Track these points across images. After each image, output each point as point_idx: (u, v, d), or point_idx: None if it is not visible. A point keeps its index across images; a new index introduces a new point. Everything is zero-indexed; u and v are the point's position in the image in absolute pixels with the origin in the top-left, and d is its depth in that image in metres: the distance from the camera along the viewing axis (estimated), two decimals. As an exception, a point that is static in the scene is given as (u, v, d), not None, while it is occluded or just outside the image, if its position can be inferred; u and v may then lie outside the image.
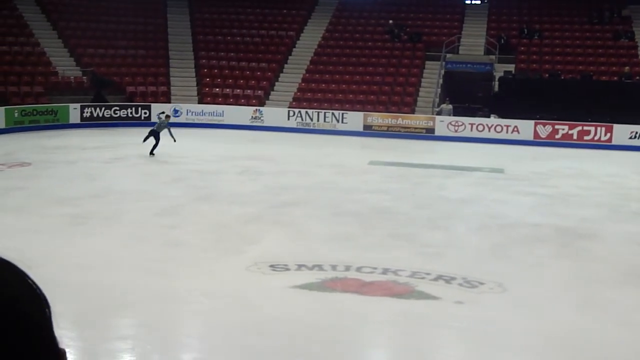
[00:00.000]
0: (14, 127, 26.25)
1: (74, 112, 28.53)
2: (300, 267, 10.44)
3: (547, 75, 30.91)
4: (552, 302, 9.39)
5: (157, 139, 20.93)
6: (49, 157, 20.68)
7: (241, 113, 30.18)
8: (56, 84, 30.03)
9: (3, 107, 26.50)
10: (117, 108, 29.57)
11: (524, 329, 8.44)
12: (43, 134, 25.71)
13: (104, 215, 13.67)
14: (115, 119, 29.24)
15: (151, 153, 20.77)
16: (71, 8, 34.27)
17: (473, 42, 33.96)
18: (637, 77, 30.05)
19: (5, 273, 0.90)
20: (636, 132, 27.29)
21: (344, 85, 32.08)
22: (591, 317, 8.87)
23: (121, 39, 33.73)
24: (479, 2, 41.15)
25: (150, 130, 21.17)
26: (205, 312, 8.85)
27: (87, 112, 28.81)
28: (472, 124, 28.46)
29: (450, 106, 29.27)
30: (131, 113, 29.71)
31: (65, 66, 31.19)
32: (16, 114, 26.75)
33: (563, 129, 27.84)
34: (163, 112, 19.72)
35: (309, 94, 31.76)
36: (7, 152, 21.44)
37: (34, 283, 0.94)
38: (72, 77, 30.75)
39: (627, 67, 30.75)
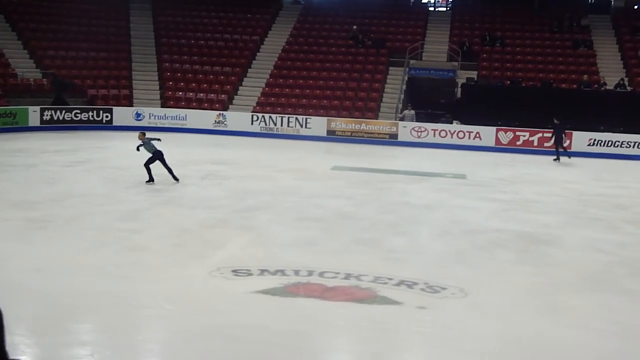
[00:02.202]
0: (-29, 130, 25.78)
1: (34, 114, 28.10)
2: (262, 272, 10.39)
3: (508, 82, 31.31)
4: (513, 307, 9.48)
5: (160, 159, 17.45)
6: (7, 160, 20.32)
7: (204, 117, 30.02)
8: (15, 86, 29.54)
9: (-40, 109, 26.01)
10: (78, 111, 29.19)
11: (485, 333, 8.51)
12: (1, 136, 25.26)
13: (64, 220, 13.47)
14: (76, 122, 28.86)
15: (175, 178, 17.57)
16: (32, 9, 33.76)
17: (436, 49, 34.26)
18: (596, 85, 30.59)
19: None
20: (595, 139, 27.77)
21: (307, 90, 32.10)
22: (552, 321, 8.97)
23: (83, 41, 33.32)
24: (442, 9, 41.58)
25: (150, 158, 17.42)
26: (166, 317, 8.75)
27: (47, 115, 28.38)
28: (434, 130, 28.68)
29: (413, 112, 29.47)
30: (92, 116, 29.37)
31: (25, 68, 30.69)
32: (-26, 116, 26.27)
33: (524, 136, 28.22)
34: (143, 133, 17.69)
35: (272, 99, 31.72)
36: (-36, 154, 21.01)
37: None
38: (31, 80, 30.28)
39: (585, 76, 31.29)
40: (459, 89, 31.08)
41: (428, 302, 9.44)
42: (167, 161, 17.42)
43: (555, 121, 25.52)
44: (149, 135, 17.86)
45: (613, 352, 8.21)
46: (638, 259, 12.38)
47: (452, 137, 28.49)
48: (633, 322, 9.11)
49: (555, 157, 25.62)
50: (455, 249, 12.65)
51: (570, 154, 25.81)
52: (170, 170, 17.42)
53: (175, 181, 17.39)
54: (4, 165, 19.54)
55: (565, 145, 25.98)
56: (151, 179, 17.14)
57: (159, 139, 17.77)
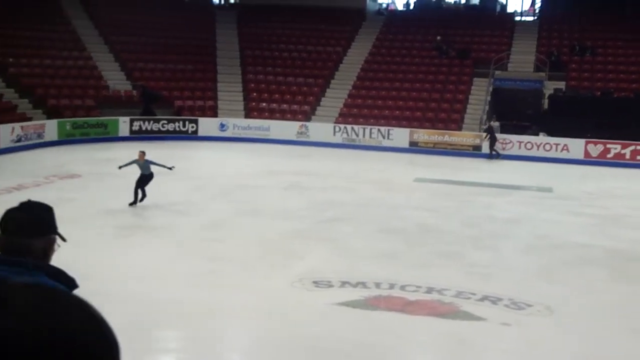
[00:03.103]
0: (65, 140, 26.78)
1: (124, 125, 28.99)
2: (343, 284, 10.36)
3: (599, 93, 30.34)
4: (602, 328, 9.13)
5: (148, 181, 15.93)
6: (98, 169, 21.00)
7: (287, 128, 30.28)
8: (107, 97, 30.56)
9: (55, 120, 27.06)
10: (165, 122, 29.95)
11: (571, 354, 8.22)
12: (93, 146, 26.16)
13: (151, 228, 13.80)
14: (163, 132, 29.60)
15: (134, 203, 15.74)
16: (123, 23, 34.90)
17: (523, 59, 33.56)
18: (692, 96, 29.31)
19: (79, 314, 0.86)
20: (691, 152, 26.57)
21: (390, 101, 31.96)
22: (643, 343, 8.60)
23: (171, 53, 34.21)
24: (529, 18, 40.74)
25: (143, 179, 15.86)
26: (248, 327, 8.83)
27: (136, 126, 29.24)
28: (520, 142, 28.05)
29: (498, 123, 28.92)
30: (179, 127, 30.05)
31: (116, 80, 31.74)
32: (68, 127, 27.29)
33: (615, 148, 27.26)
34: (144, 152, 15.93)
35: (355, 110, 31.71)
36: (59, 164, 21.85)
37: (108, 328, 0.90)
38: (122, 91, 31.28)
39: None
40: (546, 100, 30.31)
41: (512, 319, 9.20)
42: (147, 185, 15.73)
43: (491, 123, 27.79)
44: (150, 158, 16.02)
45: None
46: None
47: (538, 150, 27.79)
48: None
49: (489, 157, 27.09)
50: (541, 264, 12.30)
51: (500, 156, 27.13)
52: (142, 194, 15.67)
53: (130, 205, 15.56)
54: (95, 174, 20.21)
55: (496, 147, 27.28)
56: (135, 202, 15.58)
57: (170, 168, 16.38)
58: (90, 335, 0.86)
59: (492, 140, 27.15)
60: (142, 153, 15.89)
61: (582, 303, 10.09)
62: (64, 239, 2.71)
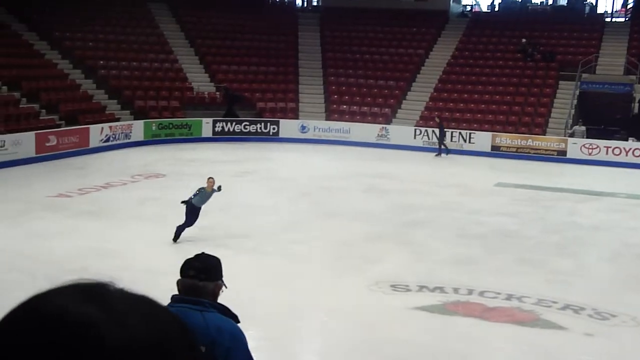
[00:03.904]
0: (151, 140, 27.56)
1: (207, 126, 29.60)
2: (421, 288, 10.30)
3: (692, 97, 29.13)
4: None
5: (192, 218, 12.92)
6: (182, 169, 21.51)
7: (367, 130, 30.26)
8: (191, 99, 31.27)
9: (142, 120, 27.88)
10: (247, 123, 30.41)
11: (659, 367, 7.95)
12: (177, 146, 26.81)
13: (231, 228, 14.04)
14: (245, 133, 30.07)
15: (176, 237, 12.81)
16: (208, 27, 35.65)
17: (612, 62, 32.52)
18: None
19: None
20: None
21: (472, 105, 31.52)
22: None
23: (253, 55, 34.73)
24: (620, 19, 39.47)
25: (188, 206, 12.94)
26: (325, 329, 8.88)
27: (218, 127, 29.80)
28: (607, 147, 27.21)
29: (584, 128, 28.12)
30: (260, 128, 30.47)
31: (200, 82, 32.44)
32: (154, 127, 28.07)
33: None
34: (211, 178, 13.09)
35: (436, 113, 31.44)
36: (145, 163, 22.51)
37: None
38: (206, 93, 31.93)
39: None
40: (637, 104, 29.29)
41: (596, 330, 8.94)
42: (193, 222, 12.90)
43: (437, 119, 28.13)
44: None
45: None
46: None
47: (627, 155, 26.88)
48: None
49: (436, 153, 27.36)
50: (628, 273, 11.91)
51: (448, 151, 27.16)
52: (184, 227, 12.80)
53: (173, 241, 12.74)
54: (179, 174, 20.71)
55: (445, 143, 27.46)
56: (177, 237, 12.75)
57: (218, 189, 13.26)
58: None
59: (442, 135, 27.37)
60: (212, 180, 13.07)
61: (670, 315, 9.72)
62: (225, 286, 3.46)
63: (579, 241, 14.19)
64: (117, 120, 27.25)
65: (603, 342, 8.60)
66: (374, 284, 10.42)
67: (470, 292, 10.15)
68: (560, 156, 27.51)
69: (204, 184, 13.15)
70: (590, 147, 27.28)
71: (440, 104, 32.02)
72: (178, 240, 12.65)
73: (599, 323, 9.14)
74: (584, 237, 14.54)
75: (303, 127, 30.64)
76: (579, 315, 9.39)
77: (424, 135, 29.38)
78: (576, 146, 27.44)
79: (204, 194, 12.88)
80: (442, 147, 27.46)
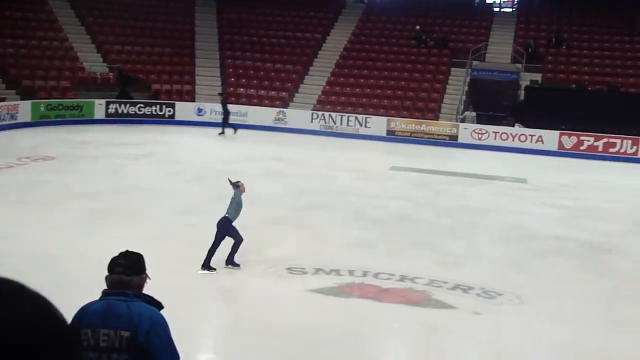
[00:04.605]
0: (39, 121, 26.49)
1: (99, 107, 28.73)
2: (317, 271, 10.42)
3: (574, 85, 30.61)
4: (571, 317, 9.28)
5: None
6: (73, 152, 20.83)
7: (265, 114, 30.21)
8: (82, 79, 30.24)
9: (29, 101, 26.75)
10: (142, 105, 29.73)
11: (541, 343, 8.35)
12: (68, 128, 25.92)
13: (126, 212, 13.74)
14: (140, 115, 29.39)
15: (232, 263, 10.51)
16: (100, 4, 34.52)
17: (500, 50, 33.73)
18: (666, 91, 29.67)
19: (33, 303, 0.87)
20: (663, 146, 26.94)
21: (368, 90, 32.00)
22: (612, 333, 8.75)
23: (148, 36, 33.94)
24: (508, 9, 40.91)
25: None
26: (221, 313, 8.85)
27: (112, 108, 28.99)
28: (496, 133, 28.26)
29: (474, 113, 29.09)
30: (155, 111, 29.86)
31: (92, 62, 31.41)
32: (42, 108, 26.98)
33: (588, 141, 27.56)
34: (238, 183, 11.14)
35: (333, 97, 31.72)
36: (33, 145, 21.63)
37: (59, 316, 0.90)
38: (98, 73, 30.96)
39: (655, 80, 30.39)
40: (523, 92, 30.52)
41: (483, 308, 9.31)
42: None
43: (220, 93, 28.57)
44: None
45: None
46: None
47: (513, 140, 28.02)
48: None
49: (220, 131, 26.58)
50: (514, 255, 12.45)
51: (235, 127, 26.85)
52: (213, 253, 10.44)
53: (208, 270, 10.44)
54: (69, 156, 20.04)
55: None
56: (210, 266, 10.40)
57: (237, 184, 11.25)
58: (43, 322, 0.87)
59: (226, 115, 26.94)
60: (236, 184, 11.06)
61: (552, 293, 10.23)
62: (149, 278, 3.91)
63: (470, 224, 14.69)
64: (2, 100, 26.05)
65: (489, 320, 8.96)
66: (270, 267, 10.45)
67: (365, 274, 10.35)
68: (452, 141, 28.36)
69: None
70: (480, 132, 28.25)
71: (337, 88, 32.33)
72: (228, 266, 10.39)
73: (486, 302, 9.52)
74: (474, 220, 15.06)
75: (199, 110, 30.26)
76: (467, 295, 9.74)
77: (321, 119, 29.61)
78: (467, 131, 28.37)
79: (238, 202, 10.75)
80: (228, 125, 26.87)
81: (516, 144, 27.83)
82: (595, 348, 8.28)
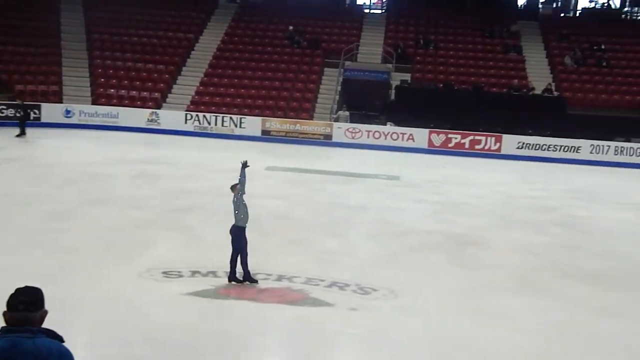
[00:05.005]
0: None
1: (-43, 110, 27.17)
2: (194, 273, 10.30)
3: (441, 85, 31.79)
4: (443, 309, 9.63)
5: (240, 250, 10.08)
6: None
7: (137, 115, 29.54)
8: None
9: None
10: (4, 107, 28.33)
11: (414, 335, 8.62)
12: None
13: (-12, 220, 13.06)
14: (2, 118, 27.99)
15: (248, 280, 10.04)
16: (-44, 1, 32.65)
17: (371, 51, 34.54)
18: (525, 90, 31.34)
19: None
20: (523, 143, 28.45)
21: (242, 90, 31.94)
22: (480, 323, 9.15)
23: (10, 35, 32.37)
24: (377, 11, 41.95)
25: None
26: (95, 320, 8.58)
27: (-28, 111, 27.47)
28: (368, 131, 28.93)
29: (347, 113, 29.66)
30: (19, 112, 28.54)
31: (-51, 61, 29.65)
32: None
33: (456, 138, 28.71)
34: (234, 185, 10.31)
35: (207, 98, 31.45)
36: None
37: None
38: (-44, 73, 29.26)
39: (515, 80, 32.04)
40: (393, 91, 31.41)
41: (359, 304, 9.51)
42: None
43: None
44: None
45: (541, 352, 8.42)
46: (564, 261, 12.74)
47: (385, 139, 28.77)
48: (559, 323, 9.37)
49: (19, 133, 25.39)
50: (388, 250, 12.79)
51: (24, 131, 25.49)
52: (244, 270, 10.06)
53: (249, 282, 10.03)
54: None
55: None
56: (236, 278, 9.98)
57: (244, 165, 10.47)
58: None
59: (24, 118, 26.02)
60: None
61: (424, 286, 10.59)
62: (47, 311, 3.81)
63: (345, 221, 14.96)
64: None
65: (365, 315, 9.16)
66: (145, 271, 10.24)
67: (242, 275, 10.31)
68: (326, 140, 28.80)
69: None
70: (354, 131, 28.83)
71: (211, 88, 32.08)
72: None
73: (362, 297, 9.73)
74: (349, 217, 15.35)
75: (67, 112, 29.20)
76: (344, 292, 9.92)
77: (195, 120, 29.29)
78: (341, 130, 28.89)
79: (240, 202, 10.06)
80: (23, 126, 25.68)
81: (388, 142, 28.59)
82: (464, 338, 8.63)
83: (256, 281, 9.94)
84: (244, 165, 10.32)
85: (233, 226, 10.06)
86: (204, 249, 11.93)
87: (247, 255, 9.94)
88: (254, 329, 8.55)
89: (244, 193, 10.10)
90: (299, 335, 8.53)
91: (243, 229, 9.99)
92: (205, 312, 8.97)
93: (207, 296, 9.40)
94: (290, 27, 35.50)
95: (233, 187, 10.25)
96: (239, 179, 10.15)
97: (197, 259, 11.15)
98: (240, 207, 10.05)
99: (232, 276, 9.91)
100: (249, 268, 9.93)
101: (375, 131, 28.97)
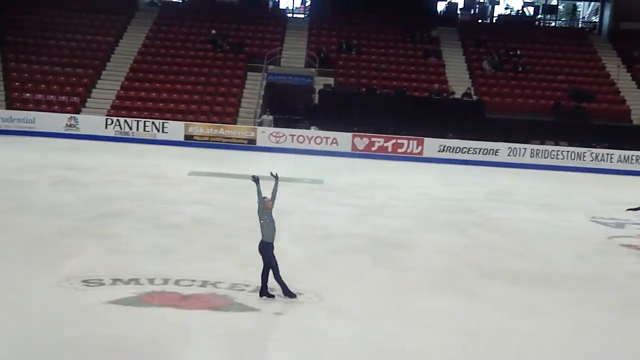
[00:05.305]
0: None
1: None
2: (115, 281, 10.11)
3: (364, 89, 32.14)
4: (367, 310, 9.73)
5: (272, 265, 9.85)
6: None
7: (55, 120, 28.77)
8: None
9: None
10: None
11: (339, 337, 8.68)
12: None
13: None
14: None
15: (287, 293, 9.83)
16: None
17: (294, 55, 34.62)
18: (445, 94, 32.00)
19: None
20: (444, 146, 29.03)
21: (165, 94, 31.53)
22: (407, 324, 9.28)
23: None
24: (300, 15, 42.10)
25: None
26: (14, 331, 8.31)
27: None
28: (292, 135, 28.98)
29: (271, 117, 29.65)
30: None
31: None
32: None
33: (379, 142, 29.07)
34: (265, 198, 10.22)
35: (128, 102, 30.90)
36: None
37: None
38: None
39: (436, 85, 32.67)
40: (317, 95, 31.57)
41: (284, 308, 9.52)
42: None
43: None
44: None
45: (464, 353, 8.60)
46: (484, 261, 13.07)
47: (309, 143, 28.89)
48: (481, 323, 9.60)
49: None
50: (312, 254, 12.85)
51: None
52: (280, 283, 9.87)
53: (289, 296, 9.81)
54: None
55: None
56: (267, 293, 9.83)
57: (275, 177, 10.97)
58: None
59: None
60: (268, 200, 10.23)
61: (348, 288, 10.68)
62: None
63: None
64: None
65: (291, 320, 9.18)
66: (64, 280, 9.98)
67: (165, 281, 10.19)
68: (250, 144, 28.73)
69: None
70: (278, 135, 28.84)
71: (132, 93, 31.55)
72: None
73: (288, 302, 9.73)
74: (275, 221, 15.29)
75: (-19, 117, 28.19)
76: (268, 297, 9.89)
77: (116, 124, 28.74)
78: (265, 135, 28.86)
79: (269, 219, 9.99)
80: None
81: (312, 146, 28.72)
82: (390, 340, 8.75)
83: (295, 295, 9.73)
84: (256, 180, 10.36)
85: (260, 242, 9.91)
86: (126, 256, 11.72)
87: (278, 270, 9.74)
88: (179, 336, 8.44)
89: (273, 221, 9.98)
90: (225, 341, 8.47)
91: (270, 244, 9.86)
92: (127, 320, 8.81)
93: (129, 304, 9.24)
94: (213, 31, 35.25)
95: (262, 201, 10.11)
96: (272, 194, 10.28)
97: (120, 266, 10.94)
98: (265, 224, 9.96)
99: (263, 291, 9.78)
100: (284, 281, 9.73)
101: (299, 135, 29.04)
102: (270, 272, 9.74)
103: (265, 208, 10.00)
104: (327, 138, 28.93)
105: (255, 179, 10.18)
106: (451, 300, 10.43)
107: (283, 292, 9.75)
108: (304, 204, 17.56)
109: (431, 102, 31.31)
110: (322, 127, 29.46)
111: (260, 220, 9.96)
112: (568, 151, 29.10)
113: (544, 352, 8.75)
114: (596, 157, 29.04)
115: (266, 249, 9.81)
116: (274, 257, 9.78)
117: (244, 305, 9.48)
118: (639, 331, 9.74)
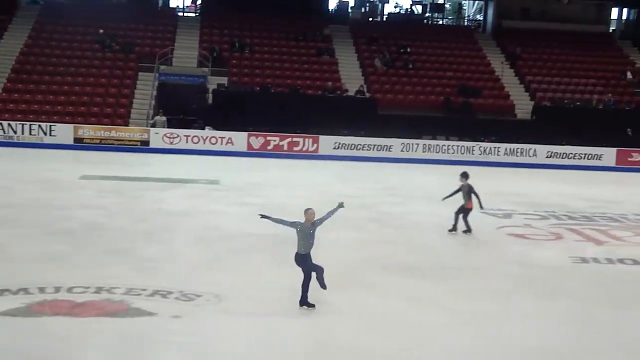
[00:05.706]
0: None
1: None
2: (3, 292, 9.68)
3: (258, 88, 32.07)
4: (267, 310, 9.70)
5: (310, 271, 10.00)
6: None
7: None
8: None
9: None
10: None
11: (237, 337, 8.64)
12: None
13: None
14: None
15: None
16: None
17: (186, 54, 34.13)
18: (339, 92, 32.36)
19: None
20: (340, 143, 29.35)
21: (51, 96, 30.41)
22: (308, 321, 9.34)
23: None
24: (191, 14, 41.55)
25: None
26: None
27: None
28: (187, 136, 28.57)
29: (164, 118, 29.14)
30: None
31: None
32: None
33: (274, 140, 29.07)
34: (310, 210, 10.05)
35: (11, 105, 29.62)
36: None
37: None
38: None
39: (329, 82, 32.99)
40: (210, 95, 31.26)
41: (183, 311, 9.38)
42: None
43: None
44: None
45: (364, 345, 8.72)
46: (381, 255, 13.30)
47: (204, 143, 28.56)
48: (378, 314, 9.76)
49: None
50: (211, 255, 12.72)
51: None
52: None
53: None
54: None
55: None
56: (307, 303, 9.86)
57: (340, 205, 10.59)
58: None
59: None
60: (312, 212, 9.99)
61: (248, 288, 10.62)
62: None
63: (166, 228, 14.69)
64: None
65: (189, 322, 9.05)
66: (-52, 294, 9.47)
67: (57, 289, 9.84)
68: (143, 146, 28.13)
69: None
70: (172, 136, 28.38)
71: (16, 95, 30.30)
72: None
73: (186, 304, 9.60)
74: (170, 224, 15.08)
75: None
76: (167, 300, 9.73)
77: (-1, 129, 27.51)
78: (158, 136, 28.33)
79: (304, 233, 9.81)
80: None
81: (207, 146, 28.42)
82: (291, 338, 8.76)
83: (313, 305, 9.76)
84: (340, 205, 10.38)
85: (296, 254, 9.86)
86: (14, 265, 11.24)
87: (310, 281, 9.77)
88: (74, 345, 8.18)
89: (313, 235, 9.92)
90: (120, 347, 8.26)
91: (307, 255, 9.84)
92: (18, 331, 8.45)
93: (19, 314, 8.87)
94: (101, 30, 34.26)
95: (307, 211, 9.95)
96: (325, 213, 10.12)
97: (7, 276, 10.47)
98: (304, 236, 9.82)
99: (303, 301, 9.74)
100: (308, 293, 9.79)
101: (194, 136, 28.67)
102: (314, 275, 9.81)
103: (306, 220, 9.88)
104: (222, 138, 28.69)
105: (264, 217, 10.26)
106: (350, 294, 10.57)
107: (301, 299, 9.75)
108: (200, 205, 17.36)
109: (325, 100, 31.58)
110: (216, 127, 29.19)
111: (312, 234, 9.89)
112: (458, 145, 30.01)
113: (435, 338, 8.99)
114: (484, 150, 30.09)
115: (305, 258, 9.81)
116: (314, 265, 9.85)
117: (141, 310, 9.28)
118: (525, 318, 10.12)
